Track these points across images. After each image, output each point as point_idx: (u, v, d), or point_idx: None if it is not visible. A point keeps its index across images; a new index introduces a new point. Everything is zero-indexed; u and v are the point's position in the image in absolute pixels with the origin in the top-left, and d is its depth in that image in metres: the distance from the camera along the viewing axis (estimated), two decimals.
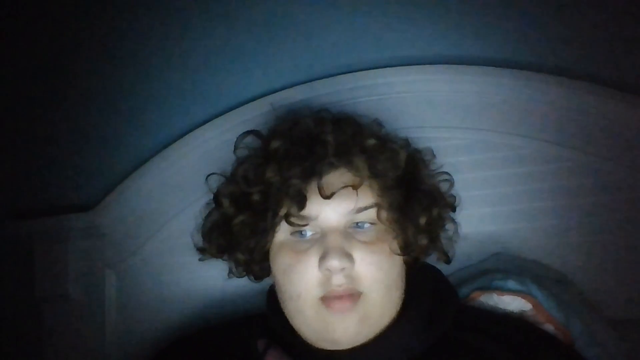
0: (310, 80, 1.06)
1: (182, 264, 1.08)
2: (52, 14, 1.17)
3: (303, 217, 0.74)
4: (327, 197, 0.73)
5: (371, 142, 0.79)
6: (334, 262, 0.71)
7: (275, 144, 0.78)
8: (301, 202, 0.73)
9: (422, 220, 0.78)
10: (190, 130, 1.11)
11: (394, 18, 1.04)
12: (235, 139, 0.85)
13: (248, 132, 0.85)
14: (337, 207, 0.74)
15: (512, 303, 0.83)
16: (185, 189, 1.08)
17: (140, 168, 1.13)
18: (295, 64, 1.08)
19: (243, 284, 0.88)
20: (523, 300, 0.83)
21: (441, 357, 0.74)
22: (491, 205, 1.00)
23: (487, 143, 1.01)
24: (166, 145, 1.12)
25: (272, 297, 0.82)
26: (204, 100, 1.12)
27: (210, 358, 0.83)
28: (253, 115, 1.04)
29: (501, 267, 0.93)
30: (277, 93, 1.07)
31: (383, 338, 0.75)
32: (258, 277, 0.84)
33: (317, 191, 0.73)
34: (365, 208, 0.75)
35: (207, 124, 1.10)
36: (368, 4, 1.04)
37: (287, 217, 0.74)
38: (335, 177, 0.75)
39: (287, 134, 0.79)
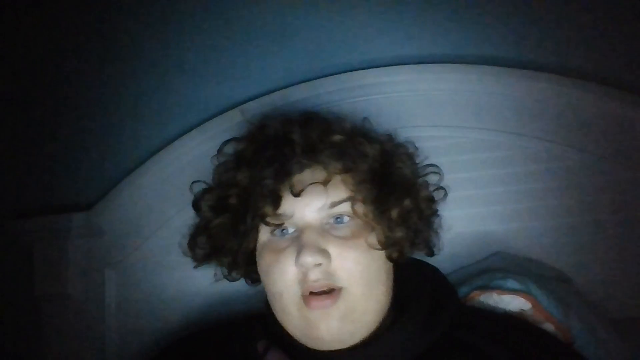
0: (310, 79, 1.06)
1: (182, 262, 1.06)
2: (51, 14, 1.17)
3: (278, 216, 0.75)
4: (296, 194, 0.74)
5: (337, 138, 0.80)
6: (308, 259, 0.72)
7: (243, 147, 0.81)
8: (275, 201, 0.75)
9: (394, 213, 0.78)
10: (189, 130, 1.11)
11: (389, 16, 1.04)
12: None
13: (229, 140, 0.85)
14: (310, 204, 0.75)
15: (511, 302, 0.83)
16: (185, 188, 1.07)
17: (139, 167, 1.13)
18: (291, 65, 1.08)
19: (244, 284, 0.88)
20: (523, 300, 0.83)
21: (441, 357, 0.74)
22: (490, 204, 1.00)
23: (485, 142, 1.01)
24: (165, 145, 1.12)
25: None
26: (204, 99, 1.13)
27: (209, 359, 0.83)
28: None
29: (501, 266, 0.93)
30: (269, 95, 1.07)
31: (383, 338, 0.75)
32: (255, 281, 0.86)
33: (289, 190, 0.75)
34: (339, 202, 0.76)
35: (206, 122, 1.10)
36: (365, 3, 1.04)
37: (262, 217, 0.75)
38: (308, 175, 0.76)
39: (255, 138, 0.81)
